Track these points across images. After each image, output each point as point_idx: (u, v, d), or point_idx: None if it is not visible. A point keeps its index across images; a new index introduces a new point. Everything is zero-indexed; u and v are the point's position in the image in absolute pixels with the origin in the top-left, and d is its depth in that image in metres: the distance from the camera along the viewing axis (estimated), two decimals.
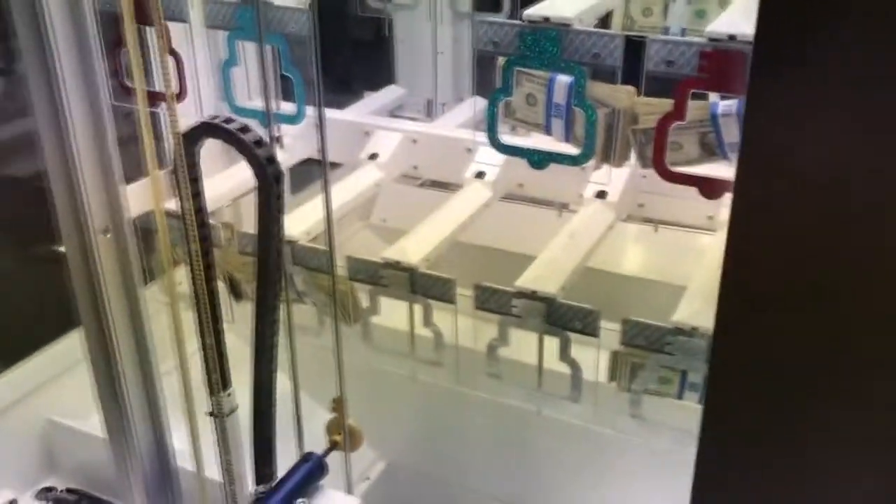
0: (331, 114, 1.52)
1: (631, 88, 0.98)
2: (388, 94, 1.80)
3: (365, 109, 1.66)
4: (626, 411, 1.14)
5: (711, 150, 0.96)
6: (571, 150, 1.01)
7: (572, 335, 1.09)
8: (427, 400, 1.49)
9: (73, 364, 1.39)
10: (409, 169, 1.49)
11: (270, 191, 0.81)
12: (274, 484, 0.93)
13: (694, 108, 0.93)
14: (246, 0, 1.11)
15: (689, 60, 0.89)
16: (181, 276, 0.92)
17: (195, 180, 0.80)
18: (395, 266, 1.17)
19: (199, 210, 0.82)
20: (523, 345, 1.17)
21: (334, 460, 1.03)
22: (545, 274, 1.11)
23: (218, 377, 0.94)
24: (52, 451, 1.37)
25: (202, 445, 0.99)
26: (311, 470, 0.93)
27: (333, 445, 0.98)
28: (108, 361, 0.82)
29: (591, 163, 1.30)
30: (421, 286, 1.16)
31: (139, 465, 0.89)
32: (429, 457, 1.56)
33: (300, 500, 0.89)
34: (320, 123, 0.91)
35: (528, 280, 1.10)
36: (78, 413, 1.39)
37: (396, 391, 1.44)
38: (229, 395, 0.98)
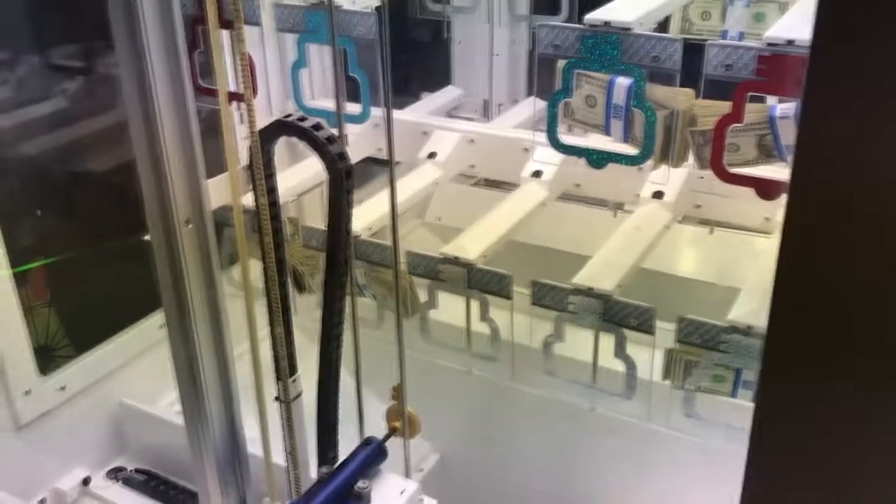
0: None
1: (689, 91, 1.00)
2: (445, 95, 1.84)
3: (423, 110, 1.71)
4: (680, 409, 1.16)
5: (769, 152, 0.98)
6: (630, 150, 1.04)
7: (627, 333, 1.12)
8: (481, 395, 1.52)
9: (144, 350, 1.46)
10: (467, 168, 1.52)
11: (341, 185, 0.85)
12: (336, 466, 0.97)
13: (752, 110, 0.95)
14: (316, 4, 1.15)
15: (747, 64, 0.91)
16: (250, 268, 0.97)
17: (270, 176, 0.85)
18: (454, 261, 1.20)
19: (273, 204, 0.86)
20: (578, 342, 1.20)
21: (392, 447, 1.07)
22: (602, 272, 1.13)
23: (286, 364, 0.98)
24: (123, 432, 1.43)
25: (269, 431, 1.04)
26: (372, 453, 0.97)
27: (392, 431, 1.02)
28: (188, 345, 0.86)
29: (649, 163, 1.32)
30: (478, 281, 1.19)
31: (212, 447, 0.93)
32: (482, 451, 1.59)
33: (361, 481, 0.93)
34: (388, 123, 0.95)
35: (584, 277, 1.12)
36: (147, 398, 1.46)
37: (451, 385, 1.48)
38: (294, 381, 1.02)
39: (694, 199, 1.33)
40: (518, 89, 2.07)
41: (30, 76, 1.58)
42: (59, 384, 1.33)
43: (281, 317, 0.92)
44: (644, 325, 1.10)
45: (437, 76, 1.98)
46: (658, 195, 1.30)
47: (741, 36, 1.47)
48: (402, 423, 1.01)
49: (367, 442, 0.98)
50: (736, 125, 0.94)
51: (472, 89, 1.94)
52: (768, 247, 1.21)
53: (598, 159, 1.04)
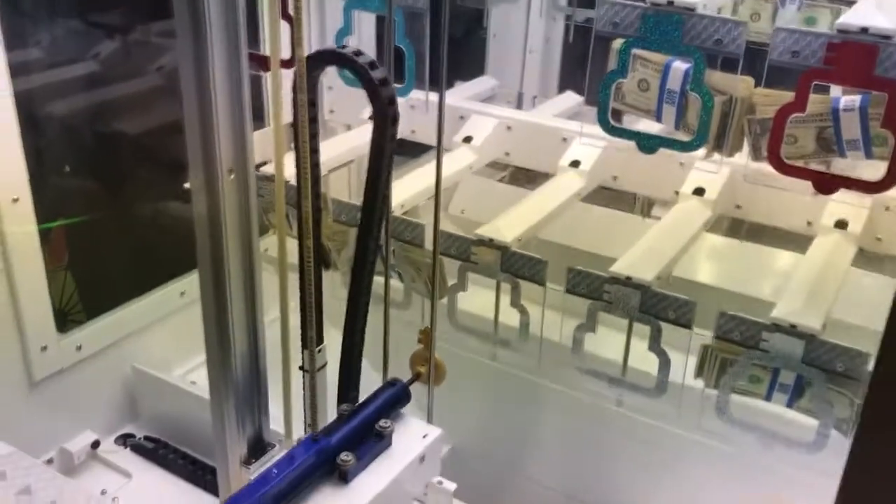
0: (424, 97, 1.54)
1: (749, 79, 0.97)
2: (480, 85, 1.82)
3: (457, 96, 1.68)
4: (710, 412, 1.13)
5: (828, 147, 0.95)
6: (682, 136, 1.01)
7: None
8: (501, 386, 1.49)
9: (162, 317, 1.44)
10: (502, 155, 1.50)
11: (387, 131, 0.82)
12: (357, 405, 0.94)
13: (814, 101, 0.92)
14: None
15: (815, 51, 0.88)
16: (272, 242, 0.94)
17: (313, 104, 0.82)
18: (488, 244, 1.17)
19: (315, 151, 0.83)
20: (608, 340, 1.17)
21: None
22: (640, 262, 1.10)
23: (314, 332, 0.95)
24: (135, 398, 1.41)
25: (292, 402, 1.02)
26: (396, 394, 0.93)
27: (417, 376, 0.98)
28: (220, 300, 0.83)
29: (690, 159, 1.30)
30: (512, 265, 1.17)
31: (234, 409, 0.90)
32: (497, 444, 1.56)
33: (383, 420, 0.89)
34: (440, 100, 0.92)
35: (623, 266, 1.09)
36: (162, 365, 1.43)
37: (470, 374, 1.45)
38: (320, 351, 1.00)
39: (735, 198, 1.30)
40: (551, 85, 2.05)
41: (59, 36, 1.56)
42: (75, 343, 1.30)
43: (313, 280, 0.89)
44: (682, 318, 1.07)
45: (472, 66, 1.96)
46: (699, 192, 1.27)
47: None
48: (427, 368, 0.97)
49: (391, 383, 0.94)
50: (797, 115, 0.92)
51: (506, 81, 1.92)
52: (817, 244, 1.17)
53: (649, 144, 1.01)
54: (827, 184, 0.93)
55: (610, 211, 1.96)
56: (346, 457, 0.84)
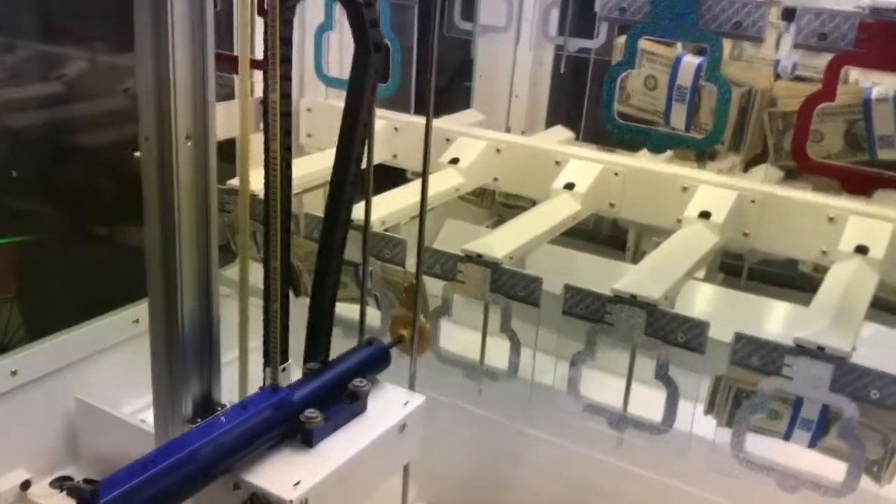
0: (410, 118, 1.45)
1: (769, 69, 0.89)
2: (466, 117, 1.73)
3: (443, 125, 1.59)
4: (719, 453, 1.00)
5: (857, 144, 0.86)
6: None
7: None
8: (484, 435, 1.36)
9: (112, 346, 1.30)
10: (490, 180, 1.40)
11: (367, 60, 0.73)
12: (326, 362, 0.80)
13: (842, 92, 0.84)
14: None
15: (845, 33, 0.80)
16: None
17: (287, 42, 0.71)
18: (477, 260, 1.06)
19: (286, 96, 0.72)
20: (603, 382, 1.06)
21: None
22: (646, 279, 0.99)
23: (276, 347, 0.82)
24: (77, 435, 1.26)
25: None
26: (373, 355, 0.80)
27: (399, 340, 0.85)
28: (169, 292, 0.72)
29: (696, 181, 1.21)
30: (503, 284, 1.05)
31: (181, 367, 0.77)
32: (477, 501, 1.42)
33: (358, 379, 0.75)
34: (428, 106, 0.82)
35: (627, 284, 0.98)
36: (110, 400, 1.29)
37: (450, 422, 1.31)
38: (285, 370, 0.87)
39: (743, 224, 1.21)
40: (538, 121, 1.98)
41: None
42: (9, 367, 1.16)
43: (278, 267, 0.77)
44: (693, 342, 0.95)
45: (457, 100, 1.88)
46: (705, 215, 1.17)
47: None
48: (410, 331, 0.84)
49: (368, 342, 0.81)
50: (823, 108, 0.83)
51: (492, 115, 1.84)
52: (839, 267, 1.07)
53: (658, 143, 0.91)
54: (860, 182, 0.83)
55: (597, 258, 1.86)
56: (311, 413, 0.71)
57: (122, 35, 1.68)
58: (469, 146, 1.38)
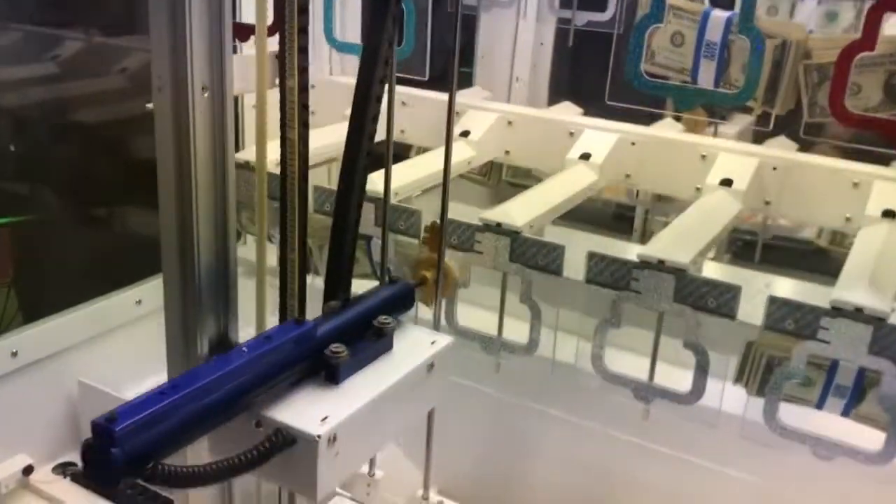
0: (419, 92, 1.41)
1: (802, 23, 0.85)
2: (472, 94, 1.70)
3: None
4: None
5: None
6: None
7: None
8: (499, 418, 1.33)
9: (115, 327, 1.26)
10: (501, 154, 1.36)
11: (385, 16, 0.69)
12: (348, 300, 0.76)
13: (882, 41, 0.80)
14: None
15: None
16: None
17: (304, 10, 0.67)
18: (496, 229, 1.02)
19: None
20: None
21: None
22: (673, 244, 0.96)
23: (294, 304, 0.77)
24: (80, 419, 1.21)
25: None
26: (398, 293, 0.76)
27: (422, 281, 0.80)
28: (185, 245, 0.67)
29: (715, 148, 1.17)
30: (523, 254, 1.02)
31: (196, 305, 0.72)
32: (489, 489, 1.38)
33: (383, 316, 0.71)
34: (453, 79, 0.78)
35: (654, 249, 0.95)
36: (113, 382, 1.25)
37: (464, 405, 1.28)
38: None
39: (764, 192, 1.17)
40: (541, 97, 1.94)
41: None
42: (10, 348, 1.11)
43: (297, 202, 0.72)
44: (724, 307, 0.92)
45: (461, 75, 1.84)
46: (727, 183, 1.14)
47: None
48: (433, 273, 0.80)
49: (392, 280, 0.77)
50: (861, 58, 0.80)
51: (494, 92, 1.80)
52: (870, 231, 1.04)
53: (689, 97, 0.88)
54: None
55: (605, 238, 1.83)
56: (336, 348, 0.67)
57: (117, 16, 1.64)
58: (480, 119, 1.34)
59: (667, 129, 1.29)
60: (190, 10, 0.63)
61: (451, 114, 0.84)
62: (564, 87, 2.03)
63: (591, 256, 0.98)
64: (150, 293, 1.28)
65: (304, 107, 0.76)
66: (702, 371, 0.95)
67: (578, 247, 1.09)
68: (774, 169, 1.15)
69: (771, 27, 0.85)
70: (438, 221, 0.79)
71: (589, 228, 1.89)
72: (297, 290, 0.76)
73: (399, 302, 0.76)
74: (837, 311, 0.87)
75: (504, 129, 1.34)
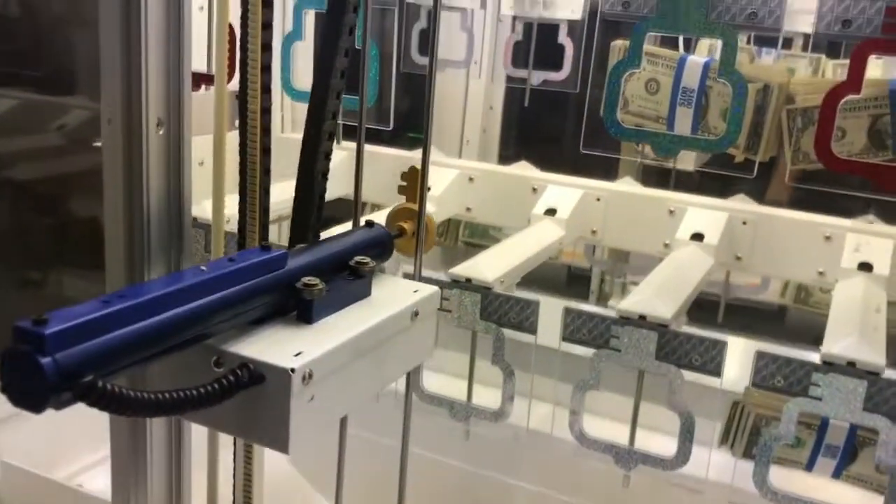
0: (375, 149, 1.36)
1: (784, 65, 0.83)
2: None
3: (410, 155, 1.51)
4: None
5: (881, 142, 0.81)
6: None
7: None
8: (466, 491, 1.24)
9: None
10: (462, 211, 1.31)
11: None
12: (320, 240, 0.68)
13: (866, 85, 0.78)
14: None
15: (871, 19, 0.75)
16: None
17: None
18: (465, 285, 0.97)
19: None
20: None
21: None
22: (653, 297, 0.91)
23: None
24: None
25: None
26: (374, 239, 0.67)
27: (400, 233, 0.72)
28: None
29: (683, 203, 1.15)
30: (495, 310, 0.96)
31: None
32: None
33: (360, 256, 0.63)
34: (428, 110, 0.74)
35: (634, 303, 0.90)
36: (45, 464, 1.13)
37: (432, 475, 1.19)
38: None
39: (734, 247, 1.15)
40: (490, 157, 1.91)
41: None
42: None
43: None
44: (711, 364, 0.87)
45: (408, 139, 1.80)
46: (698, 237, 1.11)
47: None
48: (413, 223, 0.73)
49: (368, 224, 0.69)
50: (845, 102, 0.77)
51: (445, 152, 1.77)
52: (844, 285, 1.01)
53: (666, 144, 0.84)
54: (887, 178, 0.78)
55: (565, 301, 1.78)
56: (310, 280, 0.58)
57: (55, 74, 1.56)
58: (440, 175, 1.30)
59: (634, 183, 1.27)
60: (146, 31, 0.57)
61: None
62: (515, 147, 2.02)
63: (568, 312, 0.92)
64: None
65: (265, 151, 0.70)
66: (687, 434, 0.90)
67: (542, 310, 1.04)
68: (744, 223, 1.13)
69: (751, 71, 0.83)
70: (417, 167, 0.72)
71: (544, 292, 1.85)
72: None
73: (375, 249, 0.67)
74: (829, 365, 0.83)
75: (465, 186, 1.30)
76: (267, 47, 0.67)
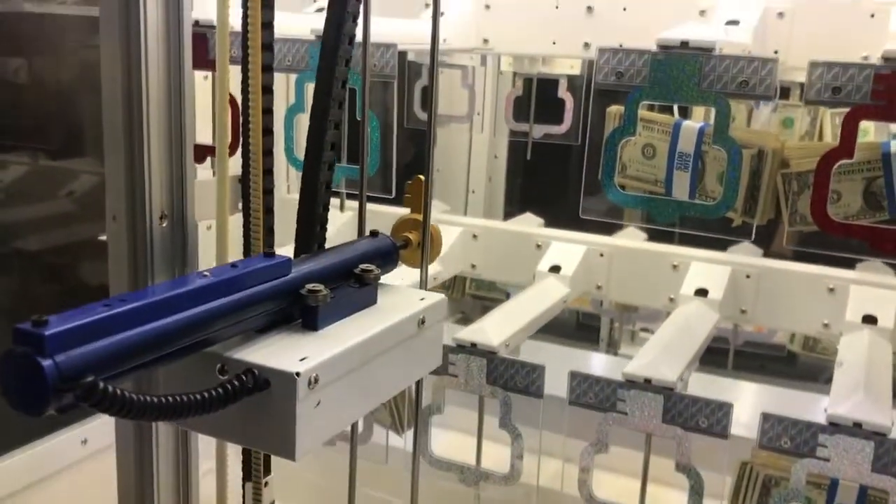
0: (380, 208, 1.38)
1: (776, 131, 0.85)
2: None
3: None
4: None
5: (877, 203, 0.81)
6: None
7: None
8: None
9: (56, 471, 1.16)
10: (467, 268, 1.33)
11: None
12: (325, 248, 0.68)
13: (859, 148, 0.79)
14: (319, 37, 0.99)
15: (860, 86, 0.76)
16: None
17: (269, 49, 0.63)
18: (471, 349, 0.97)
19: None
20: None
21: None
22: (659, 361, 0.92)
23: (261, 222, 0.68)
24: None
25: None
26: (379, 248, 0.66)
27: (405, 244, 0.71)
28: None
29: (687, 258, 1.15)
30: (501, 375, 0.96)
31: None
32: None
33: (365, 264, 0.62)
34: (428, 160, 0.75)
35: (639, 367, 0.90)
36: None
37: None
38: (267, 484, 0.76)
39: (739, 301, 1.15)
40: (496, 215, 1.93)
41: None
42: None
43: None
44: (717, 426, 0.87)
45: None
46: (702, 293, 1.11)
47: None
48: (418, 234, 0.72)
49: (373, 234, 0.69)
50: (842, 164, 0.78)
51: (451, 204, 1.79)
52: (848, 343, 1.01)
53: (666, 210, 0.85)
54: (886, 241, 0.78)
55: (573, 350, 1.79)
56: (315, 287, 0.58)
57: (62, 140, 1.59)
58: (444, 233, 1.30)
59: (633, 238, 1.28)
60: (147, 129, 0.59)
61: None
62: (519, 198, 2.03)
63: (574, 377, 0.93)
64: (96, 431, 1.19)
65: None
66: (696, 495, 0.90)
67: (550, 358, 1.04)
68: (748, 277, 1.13)
69: (744, 136, 0.84)
70: (421, 177, 0.72)
71: (555, 339, 1.85)
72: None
73: (380, 259, 0.67)
74: (835, 426, 0.83)
75: (469, 243, 1.31)
76: (269, 131, 0.69)
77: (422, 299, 0.66)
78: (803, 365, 1.69)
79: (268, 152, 0.68)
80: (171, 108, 0.61)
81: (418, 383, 0.84)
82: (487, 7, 1.30)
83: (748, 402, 1.53)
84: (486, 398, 0.99)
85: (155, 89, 0.60)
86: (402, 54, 1.10)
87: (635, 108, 0.84)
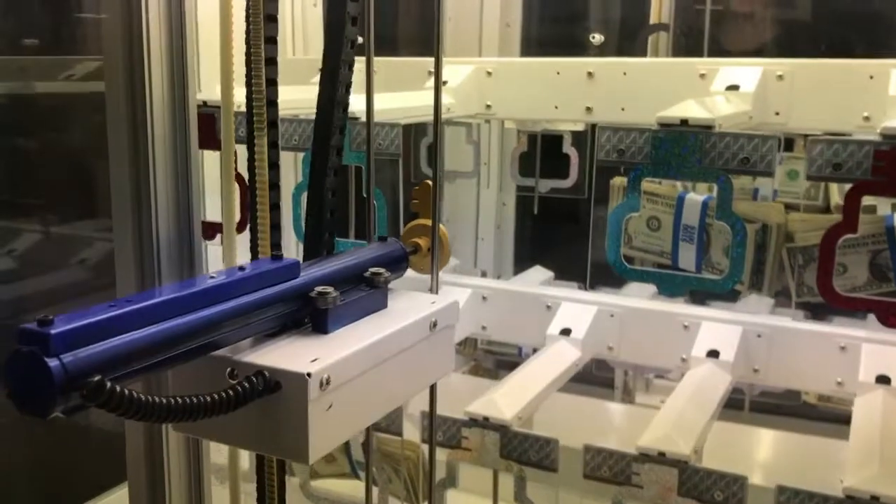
0: None
1: (780, 204, 0.85)
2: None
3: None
4: None
5: (883, 274, 0.82)
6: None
7: None
8: None
9: None
10: (478, 329, 1.33)
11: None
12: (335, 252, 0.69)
13: (862, 221, 0.80)
14: None
15: (860, 162, 0.77)
16: None
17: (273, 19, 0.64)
18: (484, 423, 0.97)
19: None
20: None
21: None
22: (672, 433, 0.92)
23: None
24: None
25: None
26: (389, 255, 0.67)
27: (415, 249, 0.72)
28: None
29: (697, 318, 1.15)
30: (514, 449, 0.96)
31: None
32: None
33: (375, 268, 0.62)
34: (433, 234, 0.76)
35: (653, 440, 0.90)
36: None
37: None
38: None
39: (751, 360, 1.15)
40: (506, 265, 1.94)
41: None
42: None
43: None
44: (733, 499, 0.87)
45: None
46: (713, 354, 1.11)
47: (776, 194, 1.36)
48: (428, 239, 0.72)
49: (381, 239, 0.70)
50: (844, 239, 0.79)
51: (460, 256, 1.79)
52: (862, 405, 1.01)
53: (674, 285, 0.86)
54: (893, 313, 0.78)
55: (588, 400, 1.78)
56: (324, 289, 0.58)
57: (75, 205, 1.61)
58: (451, 295, 1.31)
59: (642, 292, 1.28)
60: (156, 206, 0.60)
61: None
62: (529, 245, 2.04)
63: (588, 450, 0.93)
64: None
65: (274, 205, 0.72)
66: None
67: (567, 410, 1.04)
68: (759, 336, 1.13)
69: (748, 210, 0.85)
70: (429, 182, 0.73)
71: (569, 384, 1.85)
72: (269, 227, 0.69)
73: (389, 264, 0.67)
74: (852, 500, 0.82)
75: (478, 305, 1.32)
76: (276, 206, 0.70)
77: (433, 302, 0.67)
78: (821, 410, 1.68)
79: (275, 226, 0.70)
80: (178, 186, 0.62)
81: (431, 456, 0.84)
82: (489, 74, 1.31)
83: (765, 451, 1.53)
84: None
85: (161, 168, 0.61)
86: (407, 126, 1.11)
87: (638, 185, 0.85)
